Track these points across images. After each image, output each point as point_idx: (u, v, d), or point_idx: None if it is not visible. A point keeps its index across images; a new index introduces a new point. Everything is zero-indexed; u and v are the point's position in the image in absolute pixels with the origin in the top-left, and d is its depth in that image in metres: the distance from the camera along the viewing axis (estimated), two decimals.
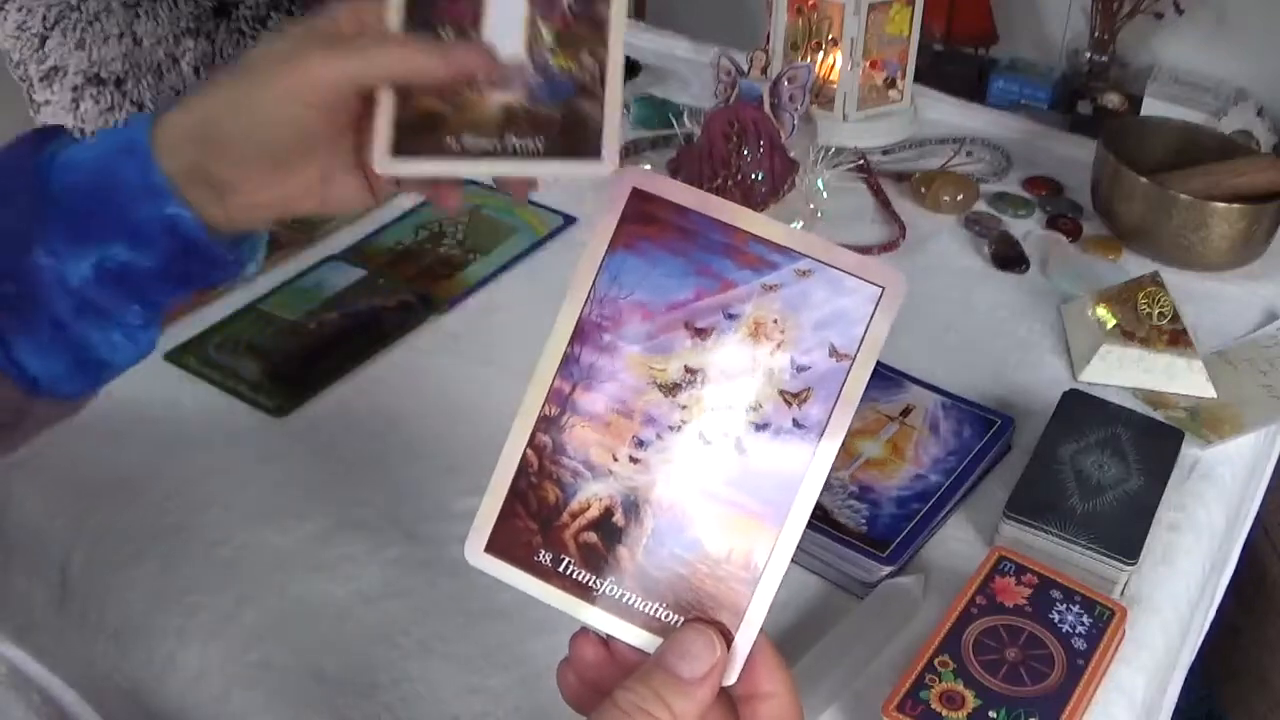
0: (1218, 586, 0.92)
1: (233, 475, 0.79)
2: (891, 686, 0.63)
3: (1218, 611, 0.95)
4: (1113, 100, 2.10)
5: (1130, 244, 1.06)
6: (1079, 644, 0.65)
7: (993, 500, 0.77)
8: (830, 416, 0.41)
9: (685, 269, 0.42)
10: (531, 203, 1.07)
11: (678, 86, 1.32)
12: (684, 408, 0.42)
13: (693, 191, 0.42)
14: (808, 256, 0.42)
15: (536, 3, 0.54)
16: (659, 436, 0.42)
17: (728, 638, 0.41)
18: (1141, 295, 0.92)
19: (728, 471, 0.42)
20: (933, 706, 0.62)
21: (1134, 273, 0.99)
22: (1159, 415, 0.86)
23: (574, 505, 0.42)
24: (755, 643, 0.41)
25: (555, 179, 0.54)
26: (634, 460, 0.42)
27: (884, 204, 1.12)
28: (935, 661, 0.64)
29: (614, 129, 0.52)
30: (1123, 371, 0.89)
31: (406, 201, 1.07)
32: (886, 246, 1.06)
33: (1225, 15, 2.07)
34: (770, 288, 0.42)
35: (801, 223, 1.06)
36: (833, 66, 1.21)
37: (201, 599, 0.70)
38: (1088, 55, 2.16)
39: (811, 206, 1.07)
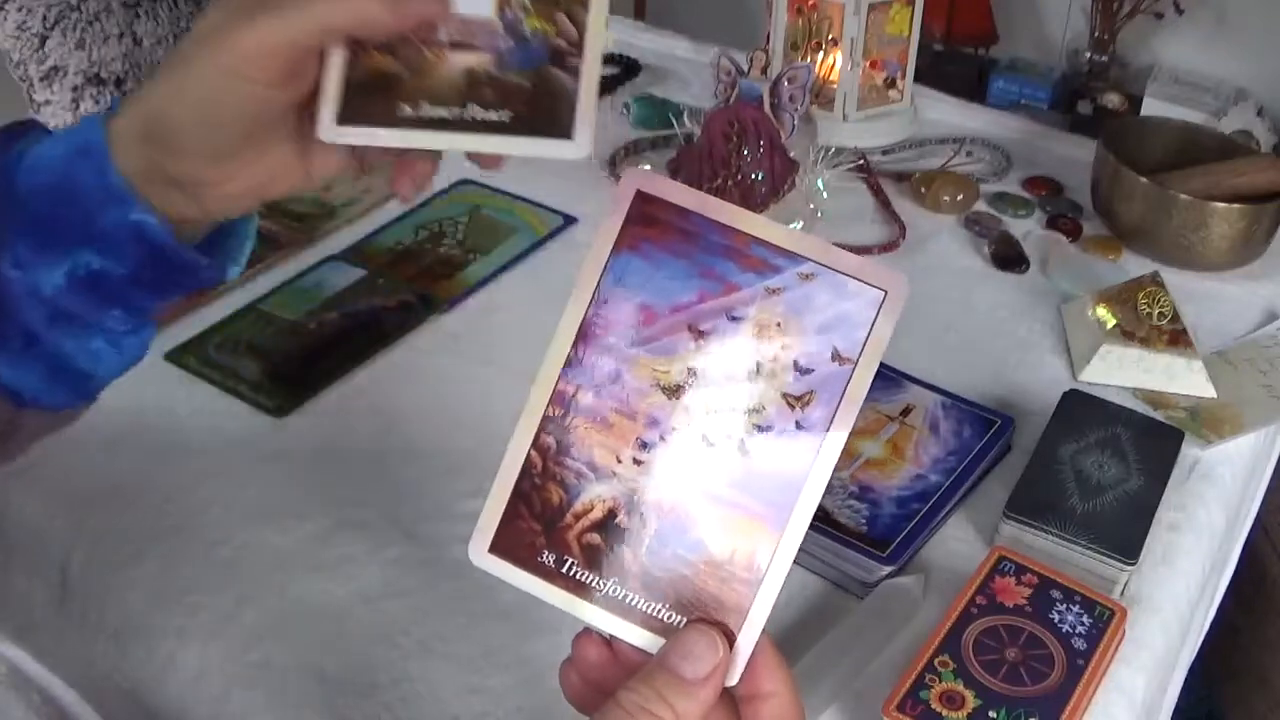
0: (1218, 586, 0.92)
1: (232, 475, 0.79)
2: (891, 686, 0.63)
3: (1218, 611, 0.95)
4: (1113, 100, 2.10)
5: (1130, 244, 1.06)
6: (1079, 644, 0.65)
7: (993, 500, 0.77)
8: (833, 419, 0.41)
9: (689, 271, 0.42)
10: (531, 202, 1.07)
11: (678, 86, 1.32)
12: (687, 409, 0.42)
13: (696, 194, 0.43)
14: (810, 260, 0.42)
15: None
16: (662, 438, 0.42)
17: (730, 638, 0.41)
18: (1141, 295, 0.92)
19: (731, 473, 0.42)
20: (933, 706, 0.62)
21: (1134, 273, 0.99)
22: (1159, 415, 0.86)
23: (577, 506, 0.43)
24: (757, 643, 0.42)
25: (521, 158, 0.47)
26: (637, 462, 0.42)
27: (884, 204, 1.12)
28: (935, 661, 0.64)
29: (589, 106, 0.47)
30: (1123, 371, 0.89)
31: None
32: (886, 246, 1.06)
33: (1225, 15, 2.07)
34: (773, 291, 0.42)
35: (801, 223, 1.06)
36: (833, 66, 1.21)
37: (201, 599, 0.70)
38: (1088, 55, 2.16)
39: (811, 206, 1.07)
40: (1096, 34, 2.13)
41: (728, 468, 0.42)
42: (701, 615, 0.42)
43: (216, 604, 0.70)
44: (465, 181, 1.10)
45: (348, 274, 0.97)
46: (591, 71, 0.47)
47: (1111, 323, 0.91)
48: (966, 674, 0.63)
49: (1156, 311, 0.90)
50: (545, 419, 0.43)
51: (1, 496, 0.78)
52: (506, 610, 0.69)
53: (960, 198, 1.11)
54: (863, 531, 0.73)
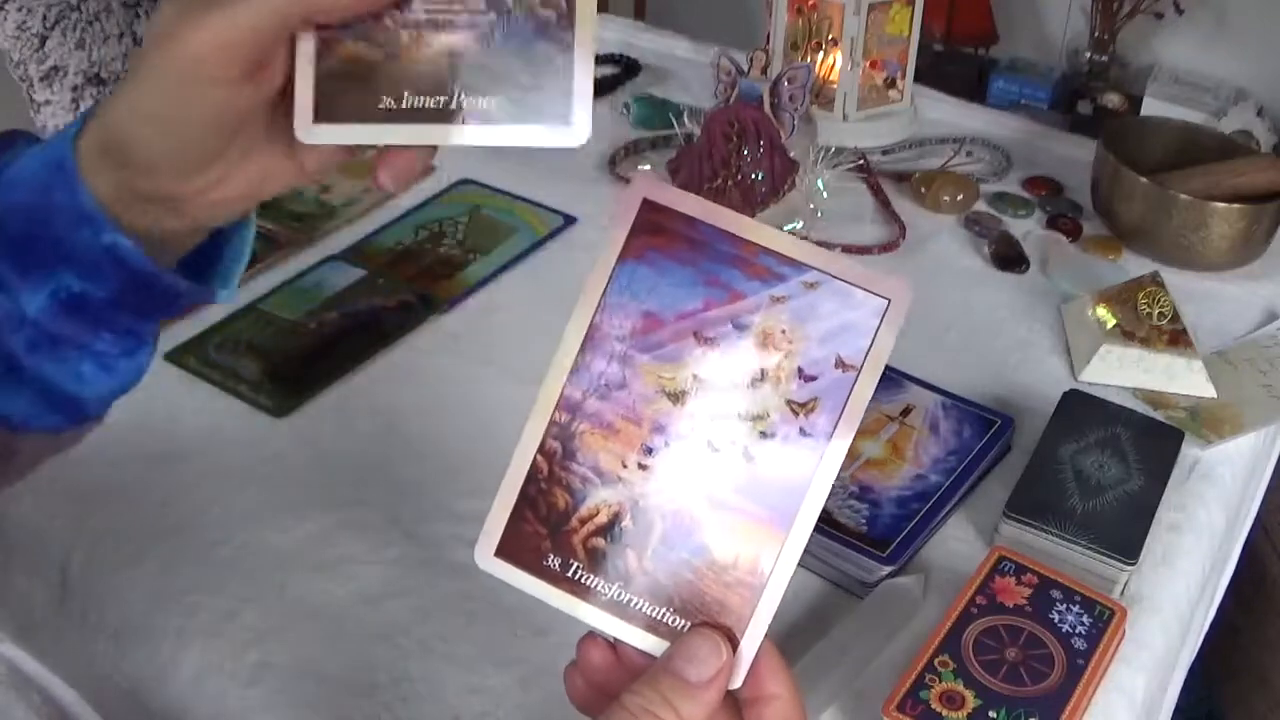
0: (1218, 586, 0.92)
1: (233, 475, 0.79)
2: (891, 686, 0.63)
3: (1218, 611, 0.95)
4: (1113, 100, 2.10)
5: (1130, 244, 1.06)
6: (1079, 644, 0.65)
7: (993, 500, 0.77)
8: (836, 426, 0.42)
9: (694, 279, 0.43)
10: (531, 202, 1.07)
11: (678, 86, 1.32)
12: (692, 416, 0.43)
13: (703, 203, 0.43)
14: (815, 268, 0.42)
15: None
16: (667, 444, 0.43)
17: (733, 642, 0.42)
18: (1141, 295, 0.92)
19: (735, 479, 0.42)
20: (933, 706, 0.62)
21: (1134, 273, 0.99)
22: (1159, 415, 0.86)
23: (583, 511, 0.43)
24: (760, 646, 0.42)
25: (515, 146, 0.43)
26: (643, 467, 0.43)
27: (884, 204, 1.12)
28: (935, 661, 0.64)
29: (585, 85, 0.43)
30: (1123, 371, 0.89)
31: (406, 201, 1.07)
32: (886, 246, 1.06)
33: (1225, 15, 2.07)
34: (778, 299, 0.42)
35: (801, 223, 1.06)
36: (833, 66, 1.21)
37: (201, 599, 0.70)
38: (1088, 55, 2.16)
39: (811, 206, 1.07)
40: (1096, 34, 2.13)
41: (732, 473, 0.42)
42: (705, 619, 0.42)
43: (216, 604, 0.70)
44: (465, 181, 1.10)
45: (348, 274, 0.97)
46: (585, 45, 0.43)
47: (1111, 323, 0.91)
48: (966, 674, 0.63)
49: (1156, 311, 0.90)
50: (551, 424, 0.43)
51: (2, 497, 0.78)
52: (507, 610, 0.69)
53: (960, 198, 1.11)
54: (863, 531, 0.73)
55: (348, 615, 0.70)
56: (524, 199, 1.08)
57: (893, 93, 1.24)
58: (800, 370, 0.42)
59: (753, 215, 1.04)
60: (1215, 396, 0.88)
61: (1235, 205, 0.99)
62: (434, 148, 0.45)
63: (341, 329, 0.92)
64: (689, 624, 0.42)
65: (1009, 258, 1.04)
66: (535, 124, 0.43)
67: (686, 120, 1.11)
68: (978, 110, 1.32)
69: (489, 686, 0.66)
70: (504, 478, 0.44)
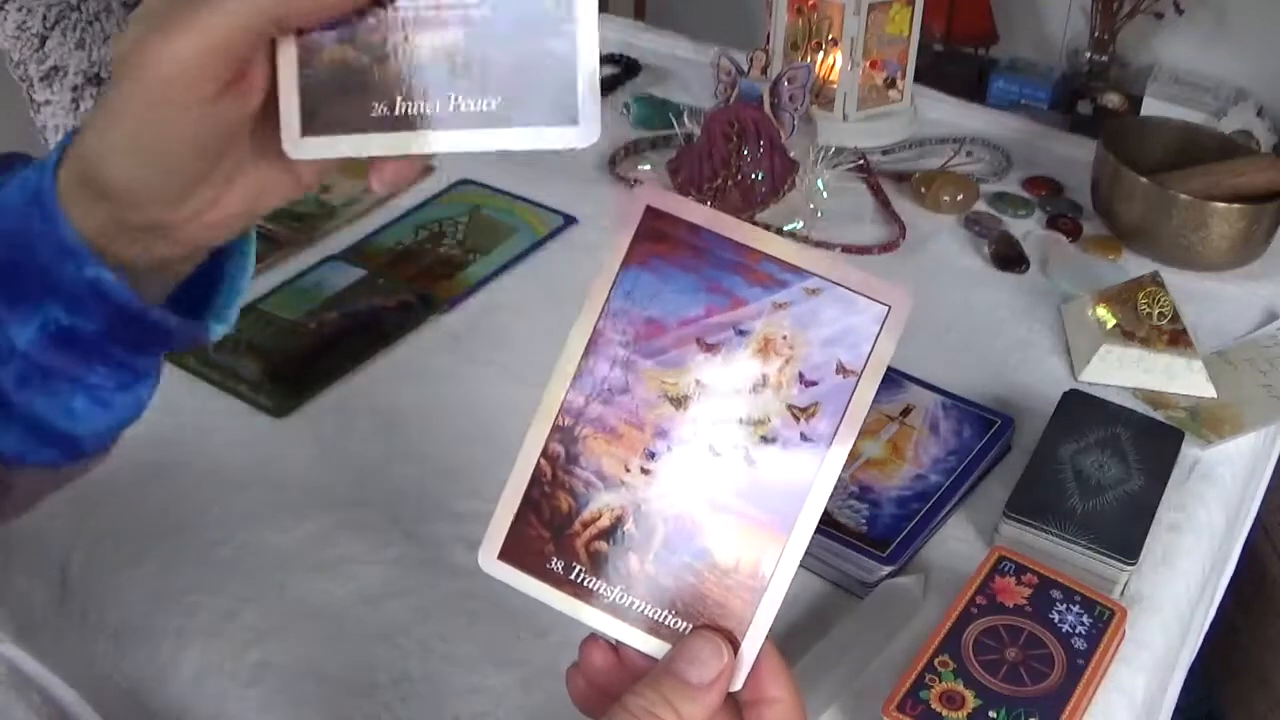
0: (1218, 586, 0.92)
1: (233, 475, 0.79)
2: (891, 686, 0.63)
3: (1218, 611, 0.95)
4: (1113, 100, 2.10)
5: (1130, 244, 1.06)
6: (1079, 644, 0.65)
7: (993, 500, 0.77)
8: (837, 431, 0.42)
9: (697, 286, 0.43)
10: (531, 202, 1.08)
11: (678, 86, 1.32)
12: (694, 420, 0.43)
13: (706, 210, 0.43)
14: (816, 275, 0.43)
15: None
16: (670, 448, 0.43)
17: (735, 644, 0.42)
18: (1141, 295, 0.92)
19: (737, 483, 0.43)
20: (933, 706, 0.62)
21: (1134, 273, 0.99)
22: (1159, 415, 0.86)
23: (586, 514, 0.43)
24: (761, 649, 0.42)
25: (519, 149, 0.40)
26: (645, 471, 0.43)
27: (884, 204, 1.12)
28: (935, 661, 0.64)
29: (591, 79, 0.40)
30: (1123, 371, 0.89)
31: (406, 201, 1.07)
32: (886, 247, 1.06)
33: (1225, 15, 2.07)
34: (780, 305, 0.43)
35: (801, 223, 1.06)
36: (833, 66, 1.21)
37: (201, 599, 0.70)
38: (1088, 55, 2.16)
39: (811, 206, 1.07)
40: (1096, 34, 2.13)
41: (734, 478, 0.43)
42: (707, 622, 0.42)
43: (216, 604, 0.70)
44: (465, 181, 1.10)
45: (348, 274, 0.97)
46: (588, 35, 0.39)
47: (1111, 323, 0.91)
48: (966, 674, 0.63)
49: (1156, 311, 0.90)
50: (555, 428, 0.44)
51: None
52: (507, 610, 0.69)
53: (960, 198, 1.11)
54: (863, 531, 0.73)
55: (348, 615, 0.70)
56: (524, 199, 1.08)
57: (893, 93, 1.24)
58: (801, 375, 0.42)
59: (753, 215, 1.05)
60: (1215, 396, 0.88)
61: (1235, 205, 0.99)
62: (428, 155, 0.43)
63: (341, 329, 0.92)
64: (690, 626, 0.43)
65: (1009, 258, 1.04)
66: (541, 125, 0.40)
67: (686, 120, 1.11)
68: (978, 110, 1.32)
69: (489, 687, 0.66)
70: (507, 481, 0.44)
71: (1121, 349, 0.89)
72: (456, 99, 0.40)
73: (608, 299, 0.44)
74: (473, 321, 0.94)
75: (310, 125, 0.41)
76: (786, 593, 0.42)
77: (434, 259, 1.00)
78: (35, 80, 1.42)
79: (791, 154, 1.06)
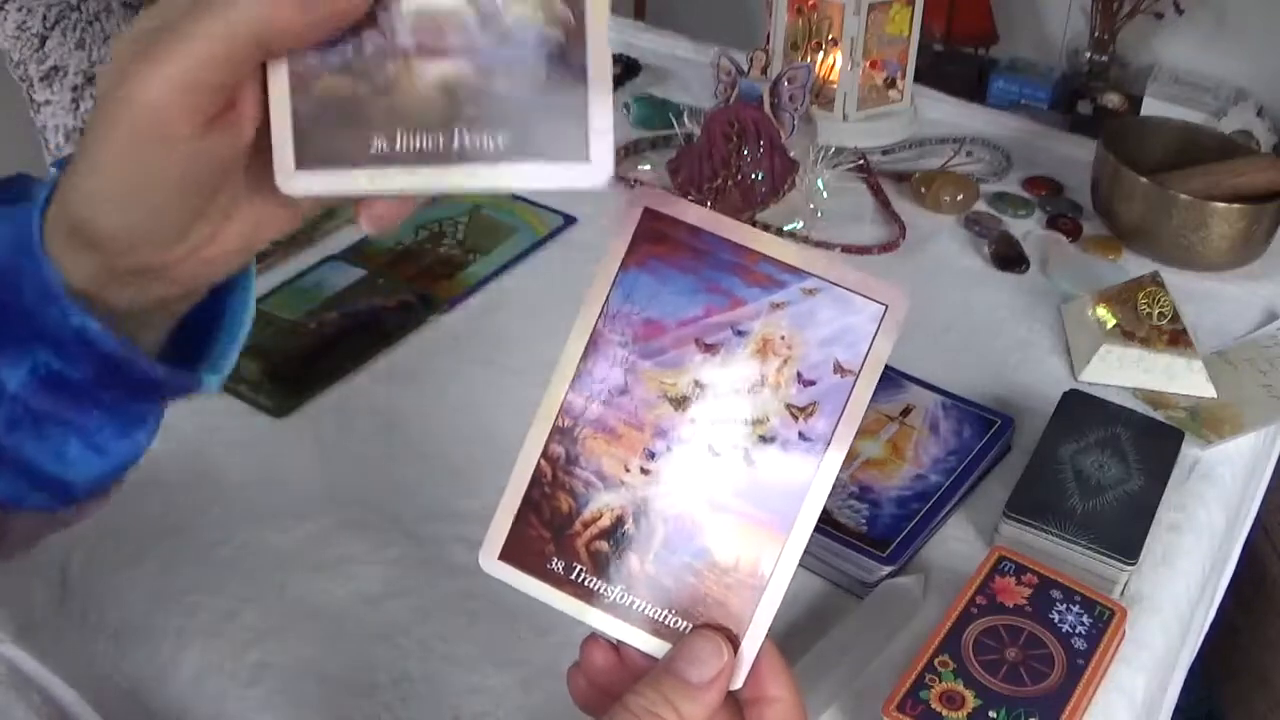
0: (1218, 586, 0.92)
1: (232, 475, 0.79)
2: (891, 686, 0.63)
3: (1218, 611, 0.95)
4: (1113, 100, 2.10)
5: (1130, 244, 1.06)
6: (1079, 644, 0.65)
7: (993, 500, 0.77)
8: (835, 430, 0.42)
9: (696, 287, 0.43)
10: (531, 203, 1.08)
11: (678, 86, 1.32)
12: (693, 421, 0.43)
13: (704, 212, 0.44)
14: (814, 275, 0.43)
15: None
16: (669, 448, 0.43)
17: (735, 643, 0.42)
18: (1141, 295, 0.92)
19: (736, 483, 0.43)
20: (933, 706, 0.62)
21: (1134, 273, 0.99)
22: (1159, 415, 0.86)
23: (586, 514, 0.44)
24: (761, 648, 0.42)
25: (527, 189, 0.38)
26: (645, 471, 0.43)
27: (884, 204, 1.12)
28: (935, 661, 0.64)
29: (604, 114, 0.38)
30: (1123, 371, 0.89)
31: None
32: (886, 247, 1.06)
33: (1225, 15, 2.07)
34: (778, 305, 0.43)
35: (801, 223, 1.06)
36: (833, 66, 1.21)
37: (201, 599, 0.70)
38: (1088, 55, 2.16)
39: (811, 206, 1.07)
40: (1096, 34, 2.13)
41: (733, 477, 0.43)
42: (707, 621, 0.43)
43: (216, 604, 0.70)
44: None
45: (348, 274, 0.97)
46: (601, 68, 0.37)
47: (1111, 323, 0.91)
48: (966, 674, 0.63)
49: (1156, 311, 0.90)
50: (555, 429, 0.44)
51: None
52: (506, 610, 0.69)
53: (960, 198, 1.11)
54: (863, 531, 0.73)
55: (348, 615, 0.70)
56: (524, 199, 1.08)
57: (893, 93, 1.24)
58: (799, 375, 0.43)
59: (753, 215, 1.05)
60: (1215, 396, 0.88)
61: (1235, 205, 0.99)
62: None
63: (341, 329, 0.92)
64: (691, 626, 0.43)
65: (1009, 258, 1.04)
66: (549, 162, 0.38)
67: (686, 120, 1.11)
68: (978, 110, 1.32)
69: (489, 687, 0.66)
70: (508, 482, 0.44)
71: (1121, 349, 0.89)
72: (461, 135, 0.38)
73: (607, 300, 0.44)
74: (473, 321, 0.94)
75: (304, 159, 0.38)
76: (786, 592, 0.42)
77: (434, 259, 1.00)
78: (35, 80, 1.42)
79: (791, 154, 1.06)
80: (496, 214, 1.06)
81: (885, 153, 1.21)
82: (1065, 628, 0.66)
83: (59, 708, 0.64)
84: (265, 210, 0.41)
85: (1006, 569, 0.69)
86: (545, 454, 0.44)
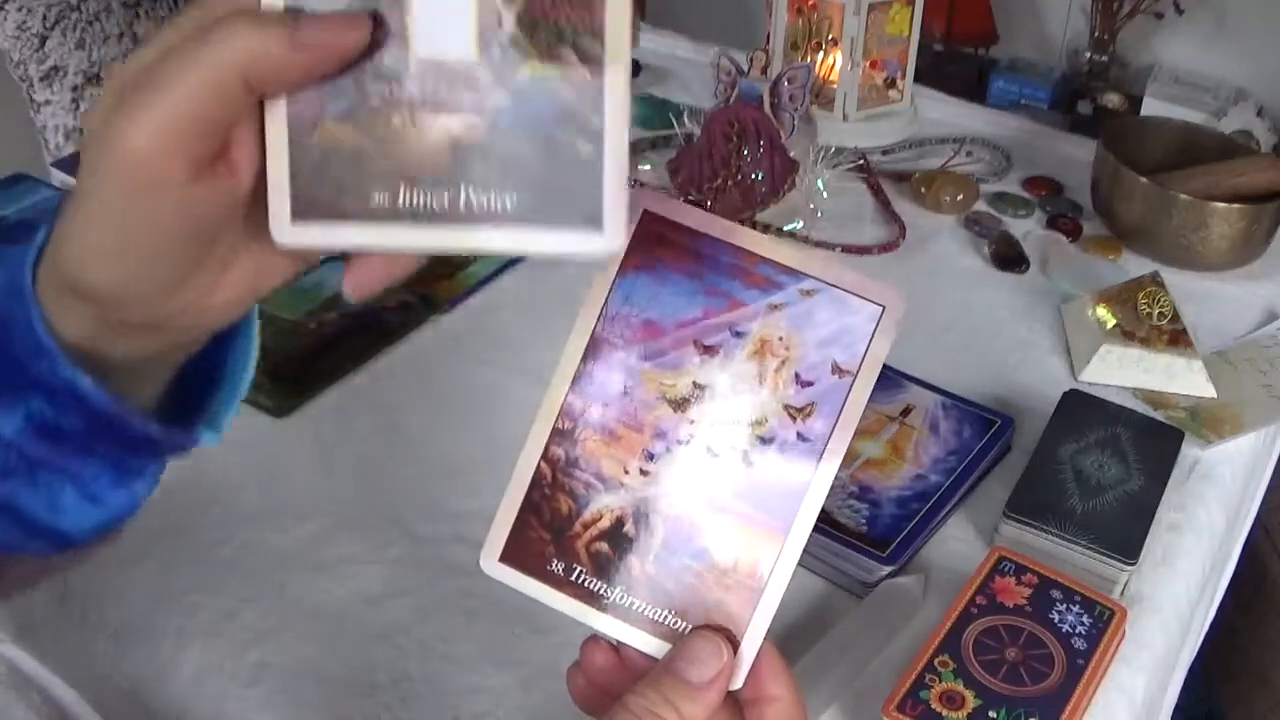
0: (1218, 586, 0.92)
1: (232, 475, 0.79)
2: (891, 686, 0.63)
3: (1218, 611, 0.95)
4: (1113, 100, 2.10)
5: (1130, 244, 1.06)
6: (1079, 644, 0.65)
7: (993, 500, 0.77)
8: (833, 430, 0.42)
9: (694, 289, 0.43)
10: None
11: (678, 86, 1.32)
12: (692, 422, 0.43)
13: (703, 215, 0.44)
14: (811, 277, 0.43)
15: None
16: (668, 450, 0.43)
17: (734, 643, 0.42)
18: (1141, 295, 0.92)
19: (735, 483, 0.43)
20: (933, 706, 0.62)
21: (1134, 273, 0.99)
22: (1159, 415, 0.86)
23: (586, 516, 0.44)
24: (760, 648, 0.43)
25: (535, 255, 0.37)
26: (644, 473, 0.43)
27: (884, 204, 1.12)
28: (935, 661, 0.64)
29: (618, 182, 0.36)
30: (1123, 371, 0.89)
31: None
32: (886, 247, 1.06)
33: (1225, 15, 2.07)
34: (776, 307, 0.43)
35: (801, 223, 1.06)
36: (833, 66, 1.21)
37: (201, 599, 0.70)
38: (1088, 55, 2.16)
39: (811, 206, 1.07)
40: (1096, 34, 2.13)
41: (732, 478, 0.43)
42: (707, 621, 0.43)
43: (216, 604, 0.70)
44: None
45: None
46: (618, 132, 0.36)
47: (1111, 323, 0.91)
48: (966, 674, 0.63)
49: (1156, 311, 0.90)
50: (555, 431, 0.44)
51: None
52: (506, 610, 0.69)
53: (960, 198, 1.11)
54: (863, 531, 0.73)
55: (348, 615, 0.70)
56: None
57: (893, 93, 1.24)
58: (797, 376, 0.43)
59: (753, 215, 1.05)
60: (1215, 396, 0.88)
61: (1235, 205, 0.99)
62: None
63: (341, 329, 0.92)
64: (690, 626, 0.43)
65: (1009, 258, 1.04)
66: (558, 228, 0.36)
67: (686, 120, 1.11)
68: (978, 110, 1.32)
69: (489, 687, 0.66)
70: (508, 484, 0.44)
71: (1121, 349, 0.89)
72: (467, 194, 0.36)
73: (606, 302, 0.44)
74: (473, 321, 0.94)
75: (301, 210, 0.37)
76: (785, 592, 0.42)
77: (434, 259, 1.00)
78: (35, 80, 1.42)
79: (791, 154, 1.06)
80: None
81: (885, 153, 1.21)
82: (1065, 628, 0.66)
83: (59, 708, 0.64)
84: (267, 258, 0.39)
85: (1006, 569, 0.69)
86: (545, 456, 0.44)
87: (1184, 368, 0.88)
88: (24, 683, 0.65)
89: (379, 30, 0.35)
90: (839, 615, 0.70)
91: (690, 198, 1.04)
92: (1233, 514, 0.85)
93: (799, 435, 0.43)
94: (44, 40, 1.40)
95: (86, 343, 0.39)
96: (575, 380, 0.44)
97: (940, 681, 0.63)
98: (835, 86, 1.21)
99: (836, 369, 0.43)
